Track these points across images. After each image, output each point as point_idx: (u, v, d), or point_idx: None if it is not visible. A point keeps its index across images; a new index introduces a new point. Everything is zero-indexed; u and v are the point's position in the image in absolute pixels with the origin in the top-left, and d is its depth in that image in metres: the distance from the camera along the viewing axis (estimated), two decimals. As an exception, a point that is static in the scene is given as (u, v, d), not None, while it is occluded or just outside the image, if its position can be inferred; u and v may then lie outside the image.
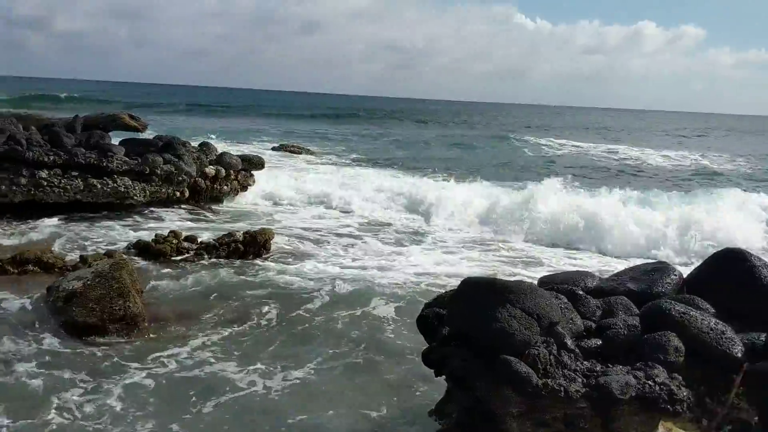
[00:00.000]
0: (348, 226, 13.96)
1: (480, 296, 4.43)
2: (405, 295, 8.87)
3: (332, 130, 44.31)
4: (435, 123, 61.55)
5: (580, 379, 4.00)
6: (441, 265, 10.85)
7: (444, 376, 4.82)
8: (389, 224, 14.32)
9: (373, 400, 5.93)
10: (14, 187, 12.87)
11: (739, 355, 4.28)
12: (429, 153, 31.98)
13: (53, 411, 5.46)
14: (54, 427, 5.25)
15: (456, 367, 4.43)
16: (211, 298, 8.53)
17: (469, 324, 4.43)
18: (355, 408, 5.78)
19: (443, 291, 5.70)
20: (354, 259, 10.98)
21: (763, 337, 4.47)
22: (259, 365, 6.57)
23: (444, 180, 19.22)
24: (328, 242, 12.26)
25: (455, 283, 5.32)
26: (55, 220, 12.40)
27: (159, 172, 14.03)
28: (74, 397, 5.71)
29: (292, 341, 7.28)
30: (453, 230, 14.05)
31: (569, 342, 4.27)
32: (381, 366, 6.70)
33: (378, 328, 7.71)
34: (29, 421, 5.29)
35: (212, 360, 6.66)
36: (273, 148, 28.77)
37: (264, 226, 11.89)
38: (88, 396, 5.77)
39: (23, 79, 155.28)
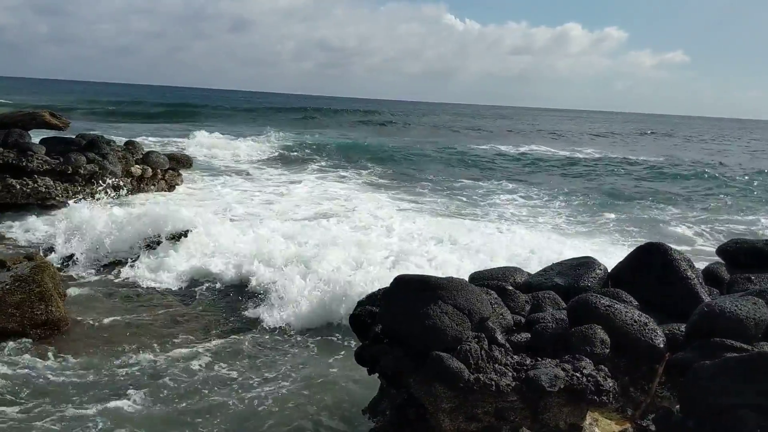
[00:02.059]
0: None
1: (412, 293, 4.45)
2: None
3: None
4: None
5: (510, 373, 4.06)
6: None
7: (377, 374, 4.83)
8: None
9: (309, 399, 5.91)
10: (-75, 188, 12.26)
11: (662, 345, 4.43)
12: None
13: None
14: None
15: (388, 364, 4.43)
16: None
17: (400, 321, 4.44)
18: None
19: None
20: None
21: (683, 327, 4.63)
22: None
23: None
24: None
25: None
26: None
27: (82, 171, 13.61)
28: None
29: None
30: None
31: (500, 337, 4.33)
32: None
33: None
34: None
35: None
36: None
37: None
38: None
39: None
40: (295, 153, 27.60)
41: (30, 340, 6.94)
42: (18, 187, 12.86)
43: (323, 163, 25.34)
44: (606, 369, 4.18)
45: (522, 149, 36.41)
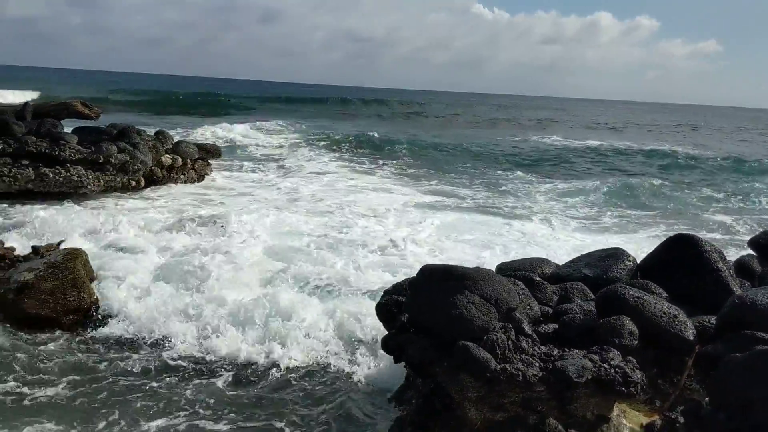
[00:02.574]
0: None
1: (438, 283, 4.45)
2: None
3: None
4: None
5: (537, 364, 4.05)
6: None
7: (403, 363, 4.85)
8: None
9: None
10: (-40, 177, 12.50)
11: (691, 337, 4.39)
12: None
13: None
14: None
15: (415, 353, 4.45)
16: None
17: (427, 311, 4.45)
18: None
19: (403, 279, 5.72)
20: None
21: (713, 320, 4.58)
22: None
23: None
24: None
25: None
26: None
27: (113, 161, 13.76)
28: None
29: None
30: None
31: (527, 327, 4.32)
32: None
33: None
34: None
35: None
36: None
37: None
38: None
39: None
40: (324, 143, 27.26)
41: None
42: (51, 176, 13.04)
43: (354, 155, 24.75)
44: (634, 361, 4.15)
45: (591, 142, 34.46)
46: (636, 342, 4.28)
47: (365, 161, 23.07)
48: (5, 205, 12.23)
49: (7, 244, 9.24)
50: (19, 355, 6.33)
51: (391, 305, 5.22)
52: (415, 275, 4.82)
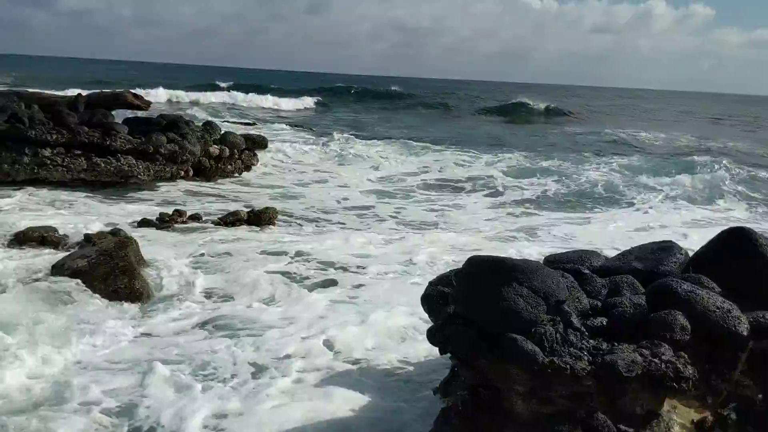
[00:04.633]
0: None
1: (486, 274, 4.43)
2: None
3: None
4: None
5: (586, 357, 4.00)
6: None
7: (449, 354, 4.84)
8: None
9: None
10: (17, 166, 12.91)
11: (745, 333, 4.28)
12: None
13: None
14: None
15: (461, 345, 4.44)
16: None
17: (474, 302, 4.43)
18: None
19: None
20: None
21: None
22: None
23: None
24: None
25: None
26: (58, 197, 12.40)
27: (163, 150, 14.03)
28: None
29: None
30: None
31: (576, 320, 4.28)
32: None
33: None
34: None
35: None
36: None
37: (267, 204, 11.93)
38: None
39: (26, 57, 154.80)
40: (384, 140, 25.43)
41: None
42: (102, 165, 13.37)
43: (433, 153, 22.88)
44: (686, 356, 4.08)
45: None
46: (688, 336, 4.19)
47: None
48: (59, 193, 12.57)
49: (62, 232, 9.51)
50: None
51: (437, 296, 5.21)
52: (462, 265, 4.80)
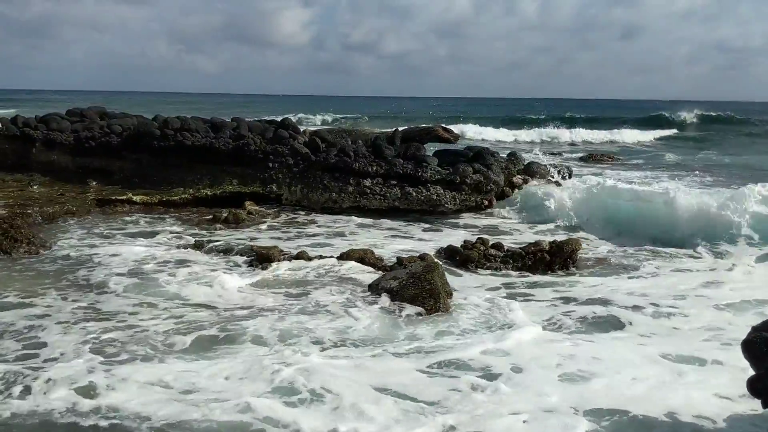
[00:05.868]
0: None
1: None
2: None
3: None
4: None
5: None
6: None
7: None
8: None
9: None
10: (343, 195, 14.45)
11: None
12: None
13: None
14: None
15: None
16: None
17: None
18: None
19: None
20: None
21: None
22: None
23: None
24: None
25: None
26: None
27: (468, 181, 14.63)
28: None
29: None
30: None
31: None
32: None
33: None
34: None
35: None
36: (581, 158, 28.29)
37: (571, 236, 11.79)
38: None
39: (354, 98, 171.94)
40: None
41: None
42: (414, 194, 14.37)
43: None
44: None
45: None
46: None
47: None
48: (384, 221, 13.76)
49: (377, 253, 10.38)
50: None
51: (760, 342, 4.73)
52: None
